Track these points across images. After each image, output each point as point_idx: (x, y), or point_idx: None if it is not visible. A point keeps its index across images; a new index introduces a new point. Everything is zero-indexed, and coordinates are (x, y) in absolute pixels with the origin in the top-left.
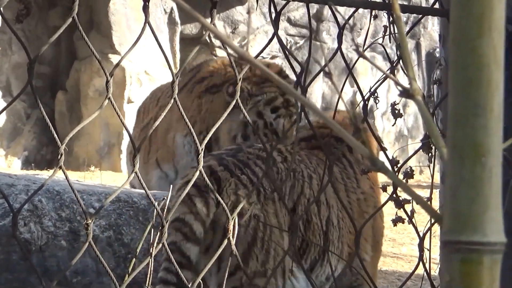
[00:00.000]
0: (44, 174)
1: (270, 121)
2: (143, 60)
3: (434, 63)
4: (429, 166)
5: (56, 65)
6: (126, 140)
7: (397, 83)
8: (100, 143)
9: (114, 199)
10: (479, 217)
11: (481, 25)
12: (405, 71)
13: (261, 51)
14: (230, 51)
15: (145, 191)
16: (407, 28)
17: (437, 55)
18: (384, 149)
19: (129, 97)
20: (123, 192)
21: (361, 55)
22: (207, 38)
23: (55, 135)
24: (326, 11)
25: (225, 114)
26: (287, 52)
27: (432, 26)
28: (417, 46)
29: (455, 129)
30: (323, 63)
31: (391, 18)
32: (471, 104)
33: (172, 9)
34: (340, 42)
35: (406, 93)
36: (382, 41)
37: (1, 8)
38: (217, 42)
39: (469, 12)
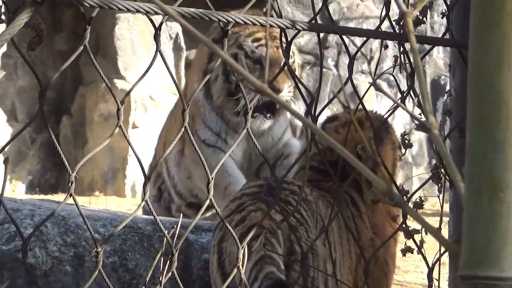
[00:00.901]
0: (49, 198)
1: (251, 49)
2: (148, 85)
3: (439, 90)
4: (438, 197)
5: (61, 89)
6: (130, 166)
7: (414, 117)
8: (104, 168)
9: (118, 225)
10: (497, 252)
11: (500, 61)
12: (421, 104)
13: (273, 79)
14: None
15: (155, 218)
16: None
17: (442, 82)
18: (393, 181)
19: (134, 122)
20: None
21: (375, 86)
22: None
23: (66, 162)
24: (331, 38)
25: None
26: (297, 81)
27: (437, 53)
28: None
29: (472, 164)
30: (327, 90)
31: (401, 48)
32: (489, 140)
33: (177, 34)
34: (350, 71)
35: (423, 127)
36: (393, 71)
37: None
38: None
39: (488, 47)
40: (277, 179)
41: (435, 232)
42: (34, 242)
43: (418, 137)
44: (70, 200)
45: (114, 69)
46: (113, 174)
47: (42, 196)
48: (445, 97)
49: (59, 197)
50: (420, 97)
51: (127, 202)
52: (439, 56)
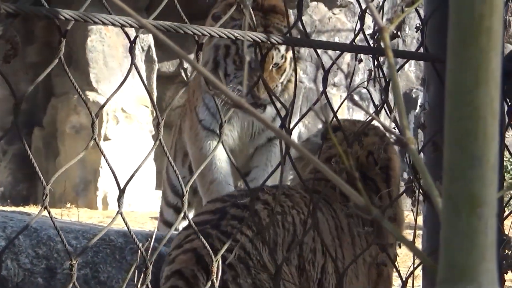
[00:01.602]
0: (21, 210)
1: (242, 48)
2: (120, 97)
3: (410, 104)
4: (412, 210)
5: (33, 101)
6: (102, 178)
7: (390, 132)
8: (76, 180)
9: (91, 237)
10: (475, 268)
11: (477, 77)
12: (398, 119)
13: (248, 92)
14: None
15: (129, 231)
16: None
17: (414, 96)
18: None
19: (105, 134)
20: (100, 230)
21: (352, 100)
22: (183, 75)
23: (40, 175)
24: (303, 50)
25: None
26: (271, 94)
27: (409, 67)
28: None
29: (450, 180)
30: (299, 103)
31: (375, 62)
32: (467, 156)
33: (149, 46)
34: (325, 85)
35: (400, 142)
36: (367, 84)
37: None
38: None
39: (465, 63)
40: (252, 191)
41: (412, 246)
42: (6, 254)
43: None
44: (44, 212)
45: (86, 81)
46: (85, 186)
47: (13, 208)
48: (417, 111)
49: (31, 209)
50: (396, 112)
51: (99, 214)
52: (411, 69)
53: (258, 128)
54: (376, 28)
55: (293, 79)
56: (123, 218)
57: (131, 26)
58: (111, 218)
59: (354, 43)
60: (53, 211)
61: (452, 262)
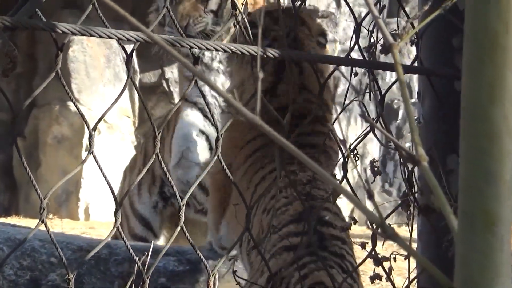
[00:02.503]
0: (3, 221)
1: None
2: (102, 108)
3: (391, 114)
4: (407, 224)
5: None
6: (84, 189)
7: (402, 149)
8: (58, 191)
9: (75, 248)
10: (490, 285)
11: (492, 94)
12: (411, 136)
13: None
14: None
15: (126, 245)
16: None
17: (395, 106)
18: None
19: (87, 144)
20: (85, 241)
21: (364, 117)
22: (165, 86)
23: (37, 188)
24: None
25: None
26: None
27: (391, 77)
28: (375, 98)
29: (466, 197)
30: None
31: (371, 76)
32: (483, 173)
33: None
34: (321, 99)
35: (411, 159)
36: (363, 98)
37: None
38: (175, 91)
39: (480, 80)
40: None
41: (431, 267)
42: None
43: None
44: (27, 223)
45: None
46: (67, 197)
47: None
48: (398, 121)
49: (13, 219)
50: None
51: (81, 225)
52: (392, 80)
53: None
54: (372, 41)
55: None
56: (119, 232)
57: (128, 39)
58: (93, 228)
59: (350, 57)
60: (35, 221)
61: (468, 278)
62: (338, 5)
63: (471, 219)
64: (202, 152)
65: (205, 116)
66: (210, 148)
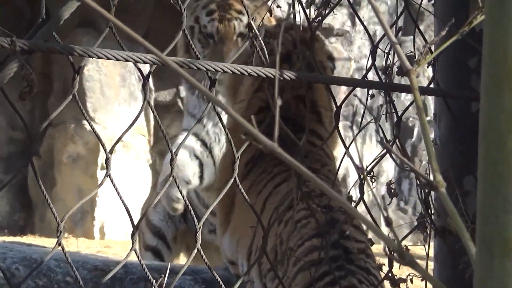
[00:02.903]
0: (19, 240)
1: (204, 23)
2: (118, 127)
3: (407, 132)
4: (424, 246)
5: (30, 130)
6: (99, 207)
7: (419, 174)
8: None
9: (91, 268)
10: None
11: (510, 121)
12: (429, 163)
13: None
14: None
15: (141, 264)
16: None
17: (410, 124)
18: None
19: (102, 163)
20: (100, 260)
21: (383, 144)
22: (180, 105)
23: (54, 212)
24: None
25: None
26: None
27: (405, 95)
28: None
29: (484, 224)
30: None
31: (387, 98)
32: (501, 200)
33: None
34: (337, 120)
35: (429, 185)
36: (379, 120)
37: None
38: None
39: (499, 107)
40: None
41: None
42: (6, 285)
43: (386, 178)
44: (42, 242)
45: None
46: (82, 216)
47: (11, 238)
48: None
49: (28, 238)
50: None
51: (96, 244)
52: (407, 98)
53: None
54: (388, 63)
55: None
56: (136, 254)
57: (144, 62)
58: (109, 247)
59: (366, 79)
60: (50, 240)
61: None
62: (353, 23)
63: (489, 245)
64: (193, 176)
65: (204, 145)
66: (201, 177)
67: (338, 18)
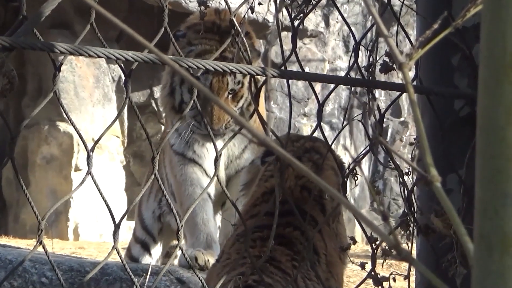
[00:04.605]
0: None
1: (197, 75)
2: (91, 128)
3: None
4: (407, 244)
5: (3, 132)
6: (73, 209)
7: (415, 169)
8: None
9: (66, 268)
10: None
11: (509, 114)
12: (423, 157)
13: (233, 137)
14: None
15: (124, 265)
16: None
17: (384, 125)
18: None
19: (76, 164)
20: (76, 261)
21: (375, 136)
22: (154, 106)
23: (35, 210)
24: (273, 81)
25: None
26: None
27: (379, 96)
28: (363, 117)
29: (482, 219)
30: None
31: (370, 95)
32: (500, 194)
33: (120, 77)
34: (320, 118)
35: (424, 180)
36: (362, 118)
37: None
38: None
39: (497, 100)
40: None
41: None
42: None
43: (361, 180)
44: (15, 243)
45: (57, 111)
46: (56, 217)
47: None
48: (387, 139)
49: (2, 240)
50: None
51: (70, 245)
52: (381, 99)
53: (230, 156)
54: (371, 60)
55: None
56: (118, 253)
57: (126, 59)
58: (83, 248)
59: (348, 76)
60: (27, 242)
61: None
62: (327, 25)
63: (488, 241)
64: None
65: (207, 175)
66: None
67: (311, 19)
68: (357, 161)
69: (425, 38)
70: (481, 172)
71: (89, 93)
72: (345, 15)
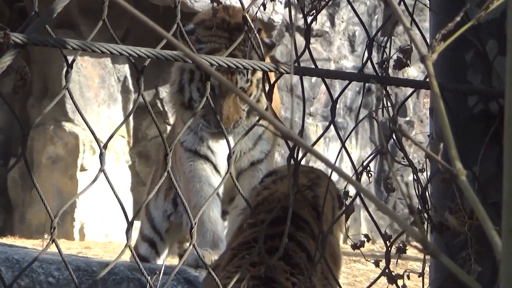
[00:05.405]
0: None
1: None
2: (97, 128)
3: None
4: None
5: (10, 132)
6: (79, 209)
7: (439, 162)
8: (53, 211)
9: (73, 268)
10: None
11: None
12: (448, 150)
13: (250, 129)
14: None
15: (138, 264)
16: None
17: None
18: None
19: (82, 164)
20: (82, 261)
21: (399, 130)
22: (159, 105)
23: (48, 209)
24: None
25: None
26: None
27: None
28: (376, 113)
29: (510, 213)
30: None
31: (384, 92)
32: None
33: (125, 77)
34: (333, 115)
35: (449, 173)
36: (376, 114)
37: None
38: (170, 110)
39: None
40: None
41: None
42: None
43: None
44: (21, 243)
45: (62, 111)
46: (62, 217)
47: None
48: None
49: (8, 239)
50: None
51: (76, 245)
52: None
53: (243, 149)
54: (384, 57)
55: (262, 99)
56: (131, 251)
57: (138, 55)
58: (89, 248)
59: (362, 72)
60: (32, 242)
61: None
62: (332, 24)
63: None
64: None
65: (217, 172)
66: (223, 214)
67: (317, 19)
68: (366, 162)
69: (447, 31)
70: (508, 166)
71: (94, 93)
72: (350, 15)
